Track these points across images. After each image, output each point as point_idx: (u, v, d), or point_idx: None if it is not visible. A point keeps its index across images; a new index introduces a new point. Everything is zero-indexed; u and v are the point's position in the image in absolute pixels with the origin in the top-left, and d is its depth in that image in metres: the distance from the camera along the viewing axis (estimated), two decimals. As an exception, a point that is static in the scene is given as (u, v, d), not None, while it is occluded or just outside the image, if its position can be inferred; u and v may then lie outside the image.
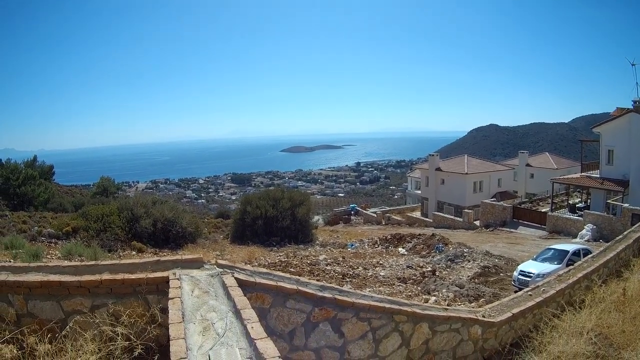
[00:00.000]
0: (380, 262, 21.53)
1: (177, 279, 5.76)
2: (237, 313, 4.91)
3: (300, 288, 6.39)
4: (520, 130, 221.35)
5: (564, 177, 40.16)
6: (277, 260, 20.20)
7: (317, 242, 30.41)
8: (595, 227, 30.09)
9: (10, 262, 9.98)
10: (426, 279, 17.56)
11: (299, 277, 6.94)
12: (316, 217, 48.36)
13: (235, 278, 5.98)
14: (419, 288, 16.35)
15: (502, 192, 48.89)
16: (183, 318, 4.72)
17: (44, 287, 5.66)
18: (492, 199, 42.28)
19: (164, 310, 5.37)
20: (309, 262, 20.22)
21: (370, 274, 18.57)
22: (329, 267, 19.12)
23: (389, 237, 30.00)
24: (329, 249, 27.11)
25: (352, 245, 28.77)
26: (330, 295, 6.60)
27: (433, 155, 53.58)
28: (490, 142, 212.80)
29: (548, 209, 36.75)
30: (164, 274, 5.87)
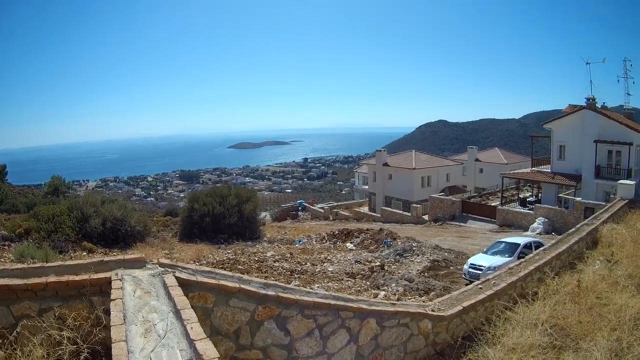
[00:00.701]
0: (329, 257, 21.53)
1: (119, 279, 5.71)
2: (177, 313, 4.91)
3: (242, 286, 6.36)
4: (469, 126, 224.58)
5: (514, 171, 40.95)
6: (225, 258, 19.98)
7: (265, 238, 30.39)
8: (547, 220, 30.71)
9: None
10: (375, 273, 17.55)
11: (241, 275, 6.92)
12: (264, 214, 48.27)
13: (177, 277, 5.95)
14: (368, 283, 16.31)
15: (450, 186, 49.54)
16: (125, 320, 4.70)
17: None
18: (441, 194, 42.77)
19: (108, 312, 5.30)
20: (256, 259, 20.10)
21: (318, 269, 18.50)
22: (277, 264, 19.03)
23: (337, 232, 30.18)
24: (277, 245, 27.07)
25: (300, 241, 28.87)
26: (274, 293, 6.58)
27: (380, 150, 54.28)
28: (439, 138, 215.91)
29: (498, 202, 37.32)
30: (107, 274, 5.81)
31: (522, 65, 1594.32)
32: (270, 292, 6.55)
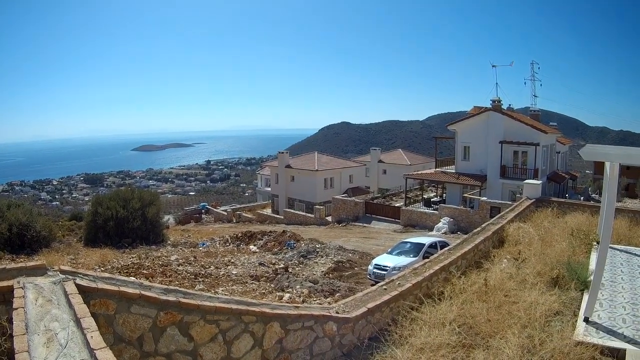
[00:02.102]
0: (232, 260, 21.46)
1: (22, 287, 5.52)
2: (77, 322, 4.79)
3: (143, 292, 6.21)
4: (373, 127, 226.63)
5: (418, 172, 41.76)
6: (129, 262, 19.60)
7: (169, 242, 30.24)
8: (452, 219, 31.25)
9: None
10: (279, 275, 17.55)
11: (142, 281, 6.81)
12: (167, 217, 47.79)
13: (77, 285, 5.78)
14: (273, 285, 16.28)
15: (354, 187, 49.92)
16: (27, 329, 4.58)
17: None
18: (344, 195, 42.99)
19: (12, 321, 5.10)
20: (161, 263, 19.86)
21: (222, 272, 18.40)
22: (181, 268, 18.82)
23: (240, 234, 30.22)
24: (181, 248, 26.90)
25: (204, 244, 28.81)
26: (175, 299, 6.46)
27: (282, 152, 54.15)
28: (342, 139, 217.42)
29: (402, 203, 37.72)
30: (9, 282, 5.59)
31: (427, 67, 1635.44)
32: (172, 298, 6.44)
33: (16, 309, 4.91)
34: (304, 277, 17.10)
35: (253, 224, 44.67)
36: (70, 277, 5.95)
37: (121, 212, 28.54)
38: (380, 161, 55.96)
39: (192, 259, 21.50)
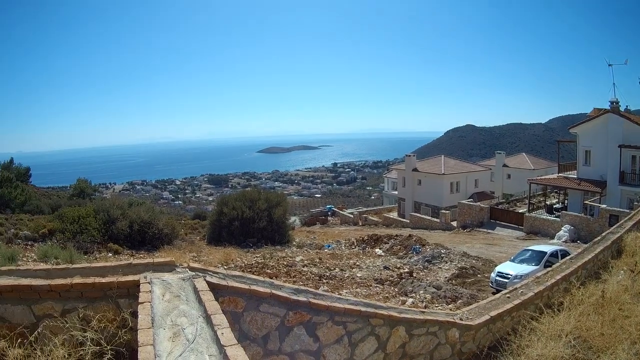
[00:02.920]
0: (357, 263, 21.45)
1: (148, 282, 5.62)
2: (207, 318, 4.80)
3: (274, 292, 6.25)
4: (497, 130, 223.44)
5: (541, 177, 40.40)
6: (253, 262, 19.98)
7: (294, 243, 30.21)
8: (572, 227, 30.30)
9: None
10: (403, 280, 17.48)
11: (272, 280, 6.81)
12: (293, 218, 48.30)
13: (207, 282, 5.84)
14: (396, 289, 16.25)
15: (479, 192, 49.13)
16: (153, 323, 4.60)
17: (14, 291, 5.43)
18: (469, 200, 42.38)
19: (135, 315, 5.21)
20: (285, 263, 20.06)
21: (347, 275, 18.43)
22: (305, 269, 18.97)
23: (366, 238, 29.94)
24: (306, 250, 26.93)
25: (329, 246, 28.65)
26: (305, 299, 6.47)
27: (410, 155, 53.83)
28: (467, 143, 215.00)
29: (525, 209, 36.84)
30: (135, 277, 5.73)
31: (548, 67, 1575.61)
32: (302, 298, 6.45)
33: (142, 303, 4.99)
34: (427, 282, 17.01)
35: (379, 227, 44.70)
36: (200, 274, 6.05)
37: (247, 212, 29.05)
38: (504, 165, 54.79)
39: (317, 260, 21.64)
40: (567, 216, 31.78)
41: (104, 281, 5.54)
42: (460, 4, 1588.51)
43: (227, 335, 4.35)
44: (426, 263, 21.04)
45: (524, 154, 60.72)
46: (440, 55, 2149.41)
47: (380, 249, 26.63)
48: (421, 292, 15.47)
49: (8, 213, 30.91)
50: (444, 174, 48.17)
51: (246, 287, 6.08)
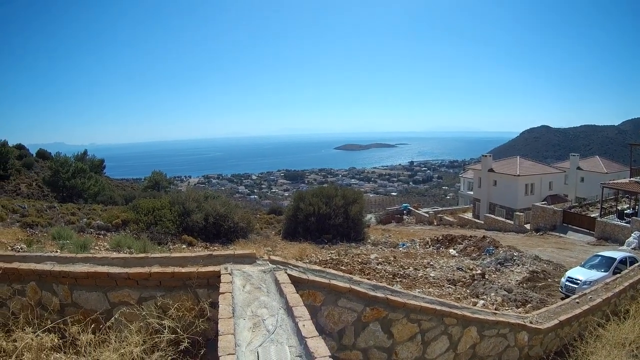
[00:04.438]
0: (431, 262, 21.35)
1: (229, 273, 5.77)
2: (288, 310, 4.90)
3: (353, 287, 6.37)
4: (571, 132, 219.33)
5: (614, 181, 39.17)
6: (328, 258, 20.06)
7: (369, 240, 30.14)
8: (641, 234, 29.40)
9: (57, 252, 10.17)
10: (475, 281, 17.42)
11: (351, 276, 6.92)
12: (369, 216, 47.80)
13: (288, 275, 5.95)
14: (468, 291, 16.24)
15: (552, 195, 48.18)
16: (233, 313, 4.71)
17: (90, 277, 5.76)
18: (543, 202, 41.60)
19: (214, 305, 5.42)
20: (360, 260, 20.04)
21: (420, 274, 18.38)
22: (379, 267, 18.92)
23: (440, 237, 29.70)
24: (381, 248, 26.92)
25: (404, 244, 28.52)
26: (383, 295, 6.58)
27: (486, 156, 53.60)
28: (541, 144, 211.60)
29: (597, 214, 35.98)
30: (216, 268, 5.88)
31: (622, 69, 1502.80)
32: (380, 294, 6.55)
33: (223, 293, 5.11)
34: (499, 284, 16.94)
35: (453, 227, 44.56)
36: (281, 267, 6.19)
37: (323, 208, 29.24)
38: (578, 168, 53.78)
39: (392, 258, 21.53)
40: (637, 222, 30.79)
41: (183, 271, 5.75)
42: (533, 2, 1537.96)
43: (308, 327, 4.42)
44: (498, 265, 20.88)
45: (597, 157, 59.44)
46: (516, 57, 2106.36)
47: (454, 249, 26.45)
48: (492, 294, 15.47)
49: (81, 203, 32.19)
50: (519, 175, 47.59)
51: (326, 281, 6.22)
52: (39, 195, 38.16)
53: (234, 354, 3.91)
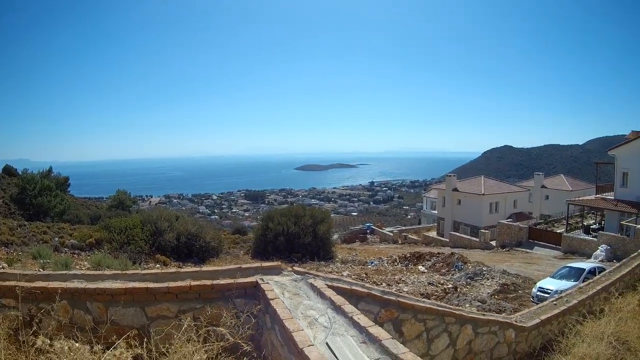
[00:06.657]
0: (403, 278, 21.90)
1: (267, 283, 6.21)
2: (336, 309, 5.52)
3: (370, 291, 7.01)
4: (534, 151, 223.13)
5: (579, 198, 40.46)
6: None
7: (337, 259, 30.60)
8: (609, 247, 30.44)
9: (82, 270, 10.08)
10: (448, 295, 18.23)
11: (364, 283, 7.62)
12: (335, 235, 48.60)
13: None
14: (443, 303, 16.81)
15: (517, 213, 49.42)
16: (291, 314, 5.17)
17: (128, 294, 5.83)
18: (509, 220, 42.71)
19: (253, 314, 5.82)
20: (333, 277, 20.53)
21: (394, 289, 18.72)
22: None
23: (409, 255, 30.29)
24: (350, 266, 27.35)
25: (372, 262, 28.97)
26: (394, 298, 7.25)
27: (450, 175, 54.84)
28: (504, 164, 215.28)
29: (563, 229, 37.15)
30: (252, 279, 6.30)
31: (586, 90, 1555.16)
32: (392, 297, 7.22)
33: (273, 299, 5.60)
34: (472, 296, 17.71)
35: (419, 245, 45.14)
36: (301, 276, 6.87)
37: (292, 227, 29.54)
38: (543, 186, 54.89)
39: (364, 275, 22.25)
40: (603, 236, 31.91)
41: (222, 283, 6.13)
42: (497, 23, 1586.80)
43: (363, 319, 5.05)
44: (469, 279, 21.55)
45: (562, 175, 60.88)
46: (477, 77, 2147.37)
47: (422, 266, 27.02)
48: (467, 305, 16.14)
49: (48, 221, 31.85)
50: (483, 194, 48.66)
51: (348, 287, 6.88)
52: (5, 212, 37.24)
53: (313, 344, 4.34)
